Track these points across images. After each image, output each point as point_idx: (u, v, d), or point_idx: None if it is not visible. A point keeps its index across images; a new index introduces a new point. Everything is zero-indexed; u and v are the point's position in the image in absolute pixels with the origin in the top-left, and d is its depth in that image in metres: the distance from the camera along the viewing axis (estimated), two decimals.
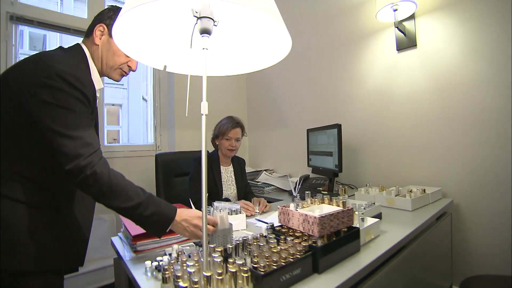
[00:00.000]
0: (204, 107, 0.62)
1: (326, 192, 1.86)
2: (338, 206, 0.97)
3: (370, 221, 1.07)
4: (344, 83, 2.22)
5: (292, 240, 0.81)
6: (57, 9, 5.91)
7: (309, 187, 2.04)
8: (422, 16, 1.79)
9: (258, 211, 1.50)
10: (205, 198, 0.65)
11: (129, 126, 9.74)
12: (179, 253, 0.78)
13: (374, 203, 1.29)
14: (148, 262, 0.79)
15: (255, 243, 0.82)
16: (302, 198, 1.80)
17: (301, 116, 2.56)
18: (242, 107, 3.17)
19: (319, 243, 0.81)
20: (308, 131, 2.18)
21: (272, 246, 0.76)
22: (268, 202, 1.90)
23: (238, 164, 1.87)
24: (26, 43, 8.58)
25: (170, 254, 0.87)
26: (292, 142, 2.63)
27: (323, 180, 2.15)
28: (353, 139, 2.13)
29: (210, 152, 1.85)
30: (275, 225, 0.99)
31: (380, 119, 2.00)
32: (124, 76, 1.02)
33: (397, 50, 1.91)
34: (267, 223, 1.26)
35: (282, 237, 0.83)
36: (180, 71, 0.84)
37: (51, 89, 0.73)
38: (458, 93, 1.65)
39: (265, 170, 2.46)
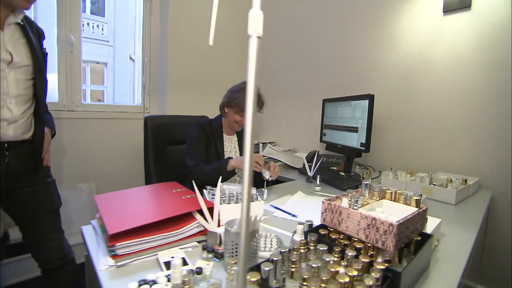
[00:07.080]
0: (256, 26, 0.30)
1: (343, 174, 1.61)
2: (406, 204, 0.71)
3: (429, 221, 0.81)
4: (372, 47, 1.87)
5: (356, 257, 0.53)
6: None
7: (319, 166, 1.77)
8: None
9: (270, 176, 1.28)
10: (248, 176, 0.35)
11: (114, 87, 9.05)
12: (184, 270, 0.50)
13: (421, 195, 1.04)
14: (133, 285, 0.49)
15: (295, 254, 0.54)
16: (314, 179, 1.56)
17: (313, 83, 2.22)
18: (242, 68, 2.76)
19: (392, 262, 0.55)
20: (325, 101, 1.87)
21: (332, 268, 0.49)
22: (278, 181, 1.64)
23: (242, 134, 1.55)
24: (87, 8, 8.94)
25: (167, 264, 0.59)
26: (299, 112, 2.32)
27: (336, 159, 1.89)
28: (376, 114, 1.84)
29: (212, 118, 1.53)
30: (313, 225, 0.72)
31: (411, 93, 1.71)
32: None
33: (443, 12, 1.58)
34: (290, 214, 1.00)
35: (336, 249, 0.56)
36: None
37: None
38: None
39: (269, 142, 2.16)
